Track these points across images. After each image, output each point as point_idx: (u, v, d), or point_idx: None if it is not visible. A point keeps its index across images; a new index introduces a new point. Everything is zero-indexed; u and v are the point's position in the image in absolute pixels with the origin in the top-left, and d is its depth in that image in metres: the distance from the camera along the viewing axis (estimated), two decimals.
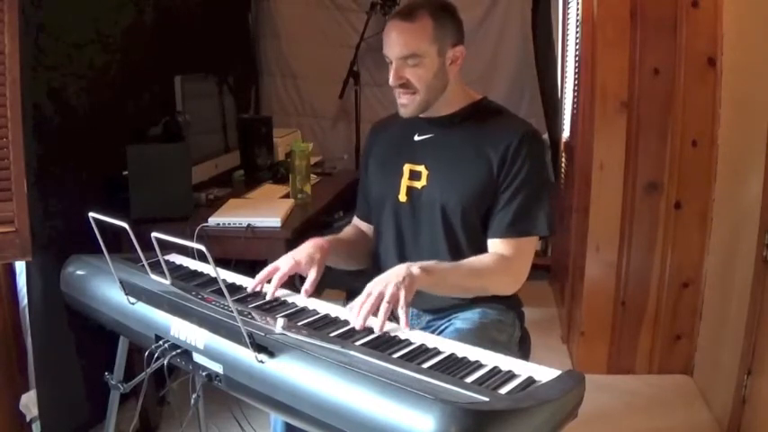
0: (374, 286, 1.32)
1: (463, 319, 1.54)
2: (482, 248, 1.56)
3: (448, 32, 1.53)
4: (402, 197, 1.62)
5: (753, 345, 2.04)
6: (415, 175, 1.61)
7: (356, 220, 1.83)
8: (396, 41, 1.52)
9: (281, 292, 1.48)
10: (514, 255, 1.53)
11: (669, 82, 2.50)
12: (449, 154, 1.59)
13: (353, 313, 1.30)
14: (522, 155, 1.52)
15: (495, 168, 1.53)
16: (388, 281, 1.32)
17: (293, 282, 1.53)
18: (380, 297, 1.29)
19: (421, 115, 1.61)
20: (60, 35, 2.06)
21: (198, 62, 2.86)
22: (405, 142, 1.65)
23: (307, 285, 1.47)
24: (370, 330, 1.30)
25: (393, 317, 1.32)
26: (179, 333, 1.28)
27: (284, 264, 1.49)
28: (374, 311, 1.29)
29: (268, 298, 1.45)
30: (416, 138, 1.64)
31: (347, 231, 1.79)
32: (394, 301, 1.29)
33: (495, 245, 1.55)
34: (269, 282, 1.48)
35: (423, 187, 1.60)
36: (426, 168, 1.60)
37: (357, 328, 1.28)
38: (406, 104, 1.56)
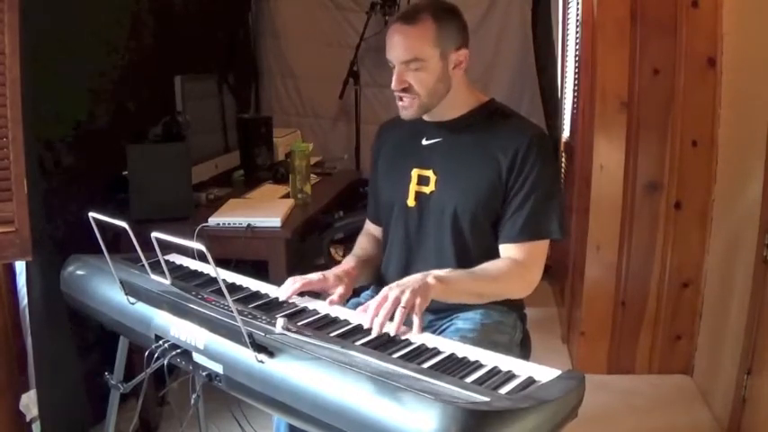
0: (391, 291, 1.32)
1: (464, 320, 1.54)
2: (490, 252, 1.55)
3: (451, 36, 1.51)
4: (410, 202, 1.61)
5: (753, 345, 2.04)
6: (423, 180, 1.60)
7: (369, 225, 1.82)
8: (397, 45, 1.50)
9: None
10: (527, 259, 1.52)
11: (669, 82, 2.50)
12: (457, 158, 1.57)
13: (369, 315, 1.30)
14: (531, 158, 1.51)
15: (504, 172, 1.52)
16: (404, 287, 1.32)
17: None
18: (396, 302, 1.29)
19: (428, 119, 1.60)
20: (61, 35, 2.06)
21: (198, 62, 2.86)
22: (412, 146, 1.64)
23: (335, 296, 1.47)
24: (370, 330, 1.30)
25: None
26: (179, 333, 1.28)
27: (314, 276, 1.51)
28: (390, 317, 1.28)
29: (282, 298, 1.45)
30: (424, 142, 1.62)
31: (363, 246, 1.76)
32: (409, 306, 1.28)
33: (508, 249, 1.54)
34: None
35: (431, 192, 1.59)
36: (435, 173, 1.59)
37: (373, 334, 1.26)
38: (406, 107, 1.55)
